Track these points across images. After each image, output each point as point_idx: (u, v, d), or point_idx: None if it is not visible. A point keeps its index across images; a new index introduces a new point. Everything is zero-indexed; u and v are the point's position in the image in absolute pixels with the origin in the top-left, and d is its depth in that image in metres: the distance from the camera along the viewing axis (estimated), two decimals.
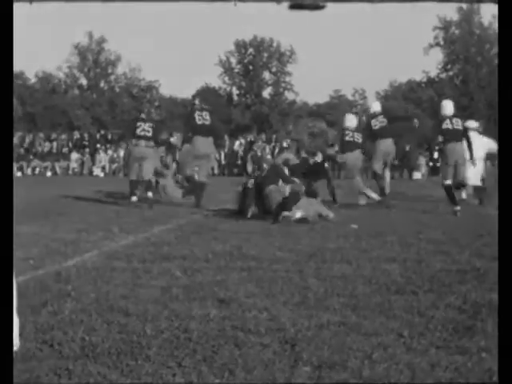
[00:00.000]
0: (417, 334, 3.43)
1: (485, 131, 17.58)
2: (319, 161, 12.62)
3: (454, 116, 11.92)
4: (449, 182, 11.30)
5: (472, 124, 13.37)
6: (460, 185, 11.84)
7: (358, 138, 12.77)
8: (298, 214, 9.03)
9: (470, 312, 3.88)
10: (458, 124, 11.78)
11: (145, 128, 12.12)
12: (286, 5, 16.03)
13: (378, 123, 12.71)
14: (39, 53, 63.27)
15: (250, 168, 26.12)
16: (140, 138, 12.12)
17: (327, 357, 3.07)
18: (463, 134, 11.68)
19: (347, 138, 12.79)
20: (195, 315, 3.79)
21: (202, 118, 11.54)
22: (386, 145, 12.72)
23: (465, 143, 11.67)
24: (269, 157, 26.37)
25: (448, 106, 12.09)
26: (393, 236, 7.34)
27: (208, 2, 18.93)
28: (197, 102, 12.31)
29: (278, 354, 3.14)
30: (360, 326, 3.58)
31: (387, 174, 13.28)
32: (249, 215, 9.53)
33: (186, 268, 5.28)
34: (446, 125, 11.69)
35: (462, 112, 53.19)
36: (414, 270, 5.22)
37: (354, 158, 12.68)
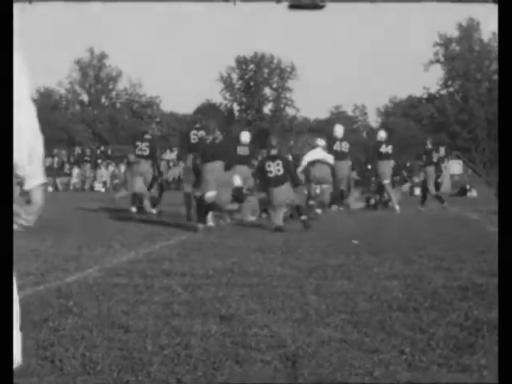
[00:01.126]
0: (418, 351, 3.42)
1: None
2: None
3: (343, 140, 15.04)
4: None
5: (321, 142, 15.12)
6: (343, 194, 15.11)
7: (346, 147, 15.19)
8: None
9: (471, 329, 3.87)
10: (345, 147, 14.98)
11: (142, 148, 13.98)
12: (285, 6, 16.51)
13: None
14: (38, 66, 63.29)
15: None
16: (138, 156, 13.98)
17: (328, 373, 3.07)
18: (347, 154, 15.04)
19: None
20: (196, 331, 3.78)
21: (197, 137, 12.14)
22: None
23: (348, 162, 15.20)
24: None
25: (338, 130, 15.22)
26: (394, 252, 7.34)
27: (208, 1, 19.22)
28: (199, 121, 12.66)
29: (279, 370, 3.14)
30: (361, 342, 3.57)
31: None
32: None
33: (187, 284, 5.28)
34: (336, 147, 14.86)
35: (462, 128, 53.45)
36: (415, 287, 5.22)
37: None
